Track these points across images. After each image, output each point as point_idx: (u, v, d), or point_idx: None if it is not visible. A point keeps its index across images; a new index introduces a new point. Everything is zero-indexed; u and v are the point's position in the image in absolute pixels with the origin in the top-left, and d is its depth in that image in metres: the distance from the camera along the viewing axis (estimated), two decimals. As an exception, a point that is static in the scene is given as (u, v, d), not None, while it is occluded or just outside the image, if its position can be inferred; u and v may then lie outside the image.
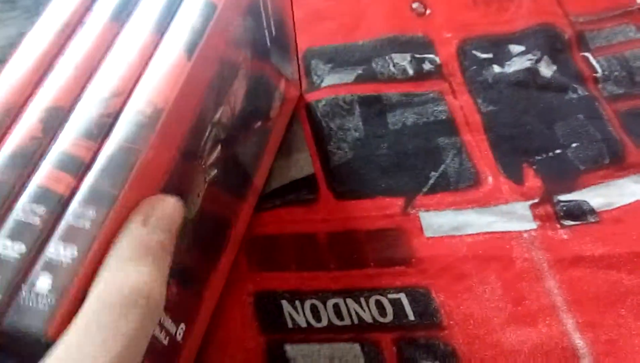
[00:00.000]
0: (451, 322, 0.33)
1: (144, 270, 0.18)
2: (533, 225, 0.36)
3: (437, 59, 0.42)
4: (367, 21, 0.44)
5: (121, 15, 0.24)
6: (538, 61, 0.41)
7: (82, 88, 0.22)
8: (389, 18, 0.44)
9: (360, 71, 0.42)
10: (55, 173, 0.20)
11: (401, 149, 0.39)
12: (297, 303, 0.34)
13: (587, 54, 0.42)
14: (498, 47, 0.43)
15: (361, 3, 0.45)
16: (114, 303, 0.17)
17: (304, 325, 0.34)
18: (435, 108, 0.40)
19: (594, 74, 0.41)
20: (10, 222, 0.19)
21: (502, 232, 0.36)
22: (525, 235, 0.36)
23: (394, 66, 0.42)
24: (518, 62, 0.42)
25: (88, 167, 0.20)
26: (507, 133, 0.39)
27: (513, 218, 0.36)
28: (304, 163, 0.39)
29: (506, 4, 0.45)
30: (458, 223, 0.36)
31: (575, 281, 0.33)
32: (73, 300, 0.18)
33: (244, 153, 0.33)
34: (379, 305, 0.34)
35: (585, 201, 0.36)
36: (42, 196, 0.20)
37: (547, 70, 0.41)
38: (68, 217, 0.19)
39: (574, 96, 0.40)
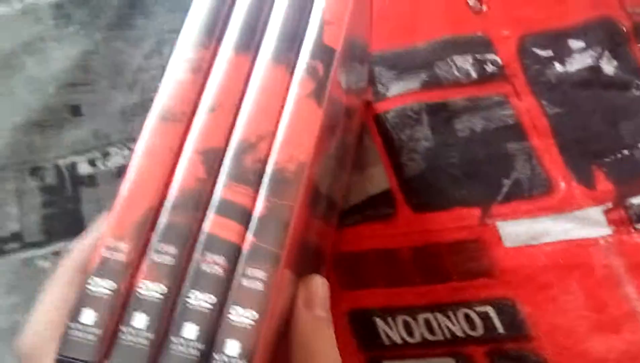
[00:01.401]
0: (539, 333, 0.35)
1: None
2: (608, 231, 0.37)
3: (499, 60, 0.42)
4: (424, 21, 0.44)
5: (249, 48, 0.24)
6: (599, 57, 0.42)
7: (230, 129, 0.23)
8: (446, 17, 0.44)
9: (424, 77, 0.42)
10: (227, 222, 0.21)
11: (472, 157, 0.40)
12: (390, 319, 0.36)
13: (646, 47, 0.42)
14: (558, 43, 0.43)
15: (415, 2, 0.44)
16: None
17: (399, 341, 0.35)
18: (502, 112, 0.41)
19: (656, 69, 0.41)
20: (197, 272, 0.20)
21: (580, 239, 0.37)
22: (601, 242, 0.37)
23: (457, 69, 0.42)
24: (579, 60, 0.42)
25: (250, 216, 0.21)
26: (575, 136, 0.40)
27: (588, 224, 0.37)
28: (379, 177, 0.39)
29: (563, -5, 0.44)
30: (535, 231, 0.37)
31: (652, 286, 0.35)
32: None
33: (331, 174, 0.33)
34: (467, 318, 0.36)
35: (657, 203, 0.37)
36: (220, 247, 0.20)
37: (609, 67, 0.41)
38: (240, 277, 0.20)
39: (637, 93, 0.41)
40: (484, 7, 0.44)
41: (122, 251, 0.20)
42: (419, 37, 0.43)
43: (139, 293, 0.20)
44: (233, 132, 0.22)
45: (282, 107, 0.23)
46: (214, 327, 0.19)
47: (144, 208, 0.21)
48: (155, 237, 0.20)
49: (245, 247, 0.20)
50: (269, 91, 0.23)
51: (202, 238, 0.21)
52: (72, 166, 0.40)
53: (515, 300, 0.36)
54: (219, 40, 0.24)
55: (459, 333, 0.35)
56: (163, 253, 0.20)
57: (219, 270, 0.20)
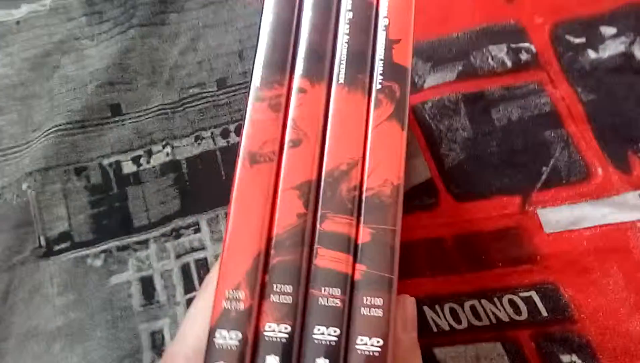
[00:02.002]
0: (582, 316, 0.36)
1: None
2: (645, 214, 0.38)
3: (533, 48, 0.43)
4: (457, 11, 0.44)
5: (322, 75, 0.25)
6: (632, 43, 0.42)
7: (320, 159, 0.23)
8: (478, 6, 0.44)
9: (460, 67, 0.42)
10: (333, 254, 0.22)
11: (510, 145, 0.40)
12: (437, 307, 0.37)
13: (675, 30, 0.43)
14: (590, 30, 0.43)
15: (448, -9, 0.45)
16: None
17: (447, 328, 0.37)
18: (538, 100, 0.41)
19: (686, 53, 0.42)
20: (318, 308, 0.21)
21: (617, 223, 0.38)
22: (639, 225, 0.38)
23: (492, 58, 0.42)
24: (612, 46, 0.42)
25: (356, 244, 0.22)
26: (610, 122, 0.41)
27: (625, 208, 0.38)
28: (421, 168, 0.40)
29: (592, -19, 0.45)
30: (574, 217, 0.38)
31: (690, 268, 0.36)
32: None
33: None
34: (512, 303, 0.37)
35: (691, 186, 0.39)
36: (333, 278, 0.21)
37: (640, 52, 0.42)
38: (359, 307, 0.21)
39: (669, 78, 0.41)
40: (516, -5, 0.44)
41: (241, 300, 0.21)
42: (454, 28, 0.43)
43: (266, 337, 0.20)
44: (323, 163, 0.23)
45: (366, 131, 0.23)
46: (344, 359, 0.20)
47: (253, 254, 0.21)
48: (270, 279, 0.21)
49: (357, 276, 0.21)
50: (350, 117, 0.24)
51: (314, 272, 0.21)
52: (117, 165, 0.40)
53: (558, 284, 0.37)
54: (292, 72, 0.25)
55: (505, 318, 0.37)
56: (281, 293, 0.21)
57: (337, 302, 0.21)
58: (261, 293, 0.22)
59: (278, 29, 0.25)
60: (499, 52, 0.42)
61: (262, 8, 0.26)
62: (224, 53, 0.43)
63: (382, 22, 0.26)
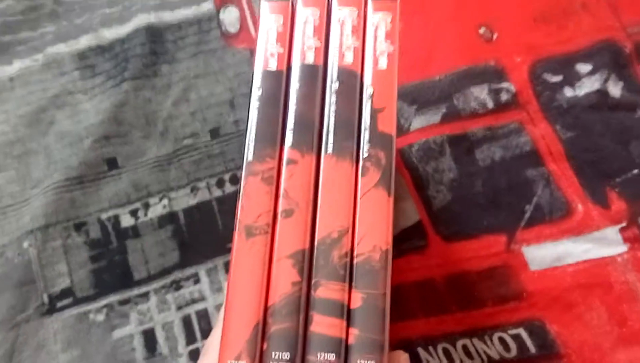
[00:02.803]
0: (568, 350, 0.38)
1: None
2: (624, 248, 0.40)
3: (513, 87, 0.44)
4: (439, 53, 0.46)
5: (311, 146, 0.26)
6: (606, 80, 0.44)
7: (312, 228, 0.25)
8: (459, 47, 0.46)
9: (444, 110, 0.44)
10: (327, 320, 0.23)
11: (494, 185, 0.42)
12: (431, 348, 0.39)
13: (647, 66, 0.45)
14: (566, 67, 0.45)
15: (429, 33, 0.46)
16: None
17: (440, 368, 0.38)
18: (519, 140, 0.43)
19: (657, 88, 0.44)
20: None
21: (599, 259, 0.40)
22: (618, 259, 0.40)
23: (474, 100, 0.44)
24: (588, 83, 0.44)
25: (349, 309, 0.23)
26: (589, 158, 0.42)
27: (605, 243, 0.40)
28: (409, 211, 0.41)
29: (564, 21, 0.47)
30: (558, 254, 0.40)
31: (669, 300, 0.38)
32: None
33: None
34: (502, 341, 0.39)
35: (667, 219, 0.40)
36: (328, 344, 0.23)
37: (615, 89, 0.44)
38: None
39: (643, 113, 0.43)
40: (495, 35, 0.46)
41: None
42: (436, 70, 0.45)
43: None
44: (315, 231, 0.24)
45: (355, 198, 0.25)
46: None
47: (252, 324, 0.23)
48: (268, 347, 0.23)
49: (351, 340, 0.23)
50: (339, 186, 0.25)
51: (310, 338, 0.23)
52: (115, 219, 0.41)
53: (544, 321, 0.39)
54: (282, 144, 0.26)
55: (495, 356, 0.38)
56: (279, 360, 0.22)
57: None
58: (261, 361, 0.23)
59: (267, 103, 0.26)
60: (481, 93, 0.44)
61: (251, 83, 0.27)
62: (216, 103, 0.44)
63: (367, 91, 0.27)
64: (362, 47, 0.27)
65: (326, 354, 0.23)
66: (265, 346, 0.23)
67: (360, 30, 0.27)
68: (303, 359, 0.23)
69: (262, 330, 0.23)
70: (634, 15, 0.46)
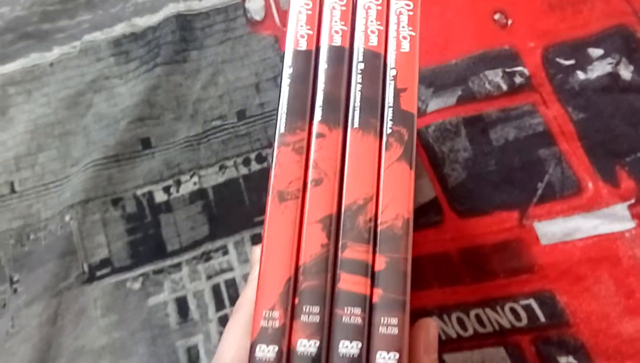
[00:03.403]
0: (577, 320, 0.40)
1: None
2: (632, 224, 0.42)
3: (526, 71, 0.46)
4: (455, 39, 0.48)
5: (338, 121, 0.28)
6: (617, 63, 0.46)
7: (339, 196, 0.27)
8: (475, 33, 0.48)
9: (460, 92, 0.46)
10: (353, 278, 0.25)
11: (508, 164, 0.44)
12: (445, 317, 0.41)
13: (658, 50, 0.47)
14: (578, 52, 0.47)
15: (446, 21, 0.48)
16: None
17: (454, 335, 0.41)
18: (532, 121, 0.45)
19: (668, 71, 0.46)
20: (341, 325, 0.24)
21: (608, 234, 0.42)
22: (627, 234, 0.42)
23: (488, 83, 0.46)
24: (599, 67, 0.46)
25: (373, 269, 0.25)
26: (599, 139, 0.44)
27: (615, 219, 0.42)
28: (426, 188, 0.44)
29: (579, 6, 0.48)
30: (568, 229, 0.42)
31: (675, 273, 0.40)
32: None
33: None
34: (513, 311, 0.41)
35: (674, 197, 0.42)
36: (354, 299, 0.25)
37: (626, 72, 0.46)
38: (377, 325, 0.25)
39: (653, 95, 0.45)
40: (509, 21, 0.48)
41: (276, 319, 0.25)
42: (452, 55, 0.47)
43: (299, 351, 0.24)
44: (342, 198, 0.27)
45: (379, 170, 0.27)
46: None
47: (284, 279, 0.25)
48: (299, 302, 0.25)
49: (375, 299, 0.25)
50: (364, 158, 0.27)
51: (337, 294, 0.25)
52: (149, 195, 0.44)
53: (554, 292, 0.41)
54: (311, 119, 0.28)
55: (507, 325, 0.40)
56: (309, 314, 0.25)
57: (358, 320, 0.25)
58: (292, 313, 0.25)
59: (297, 81, 0.29)
60: (495, 76, 0.46)
61: (283, 63, 0.29)
62: (242, 86, 0.46)
63: (390, 72, 0.29)
64: (385, 31, 0.29)
65: (352, 308, 0.25)
66: (297, 300, 0.25)
67: (384, 15, 0.29)
68: (331, 312, 0.25)
69: (293, 286, 0.25)
70: (646, 1, 0.48)
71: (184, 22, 0.48)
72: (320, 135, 0.27)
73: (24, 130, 0.46)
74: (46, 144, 0.45)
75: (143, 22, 0.48)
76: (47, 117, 0.46)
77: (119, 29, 0.48)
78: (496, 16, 0.48)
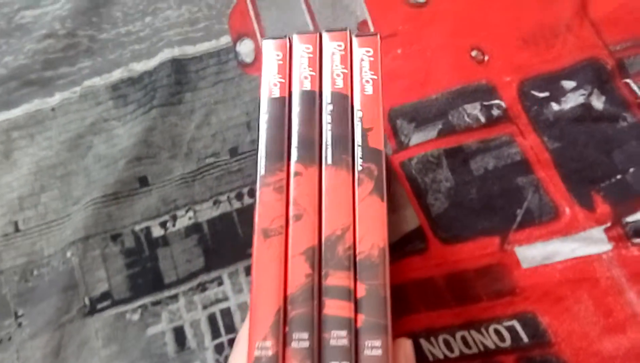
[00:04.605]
0: (558, 339, 0.42)
1: None
2: (609, 247, 0.44)
3: (503, 104, 0.49)
4: (435, 75, 0.50)
5: (313, 160, 0.30)
6: (590, 95, 0.48)
7: (319, 227, 0.29)
8: (453, 69, 0.50)
9: (440, 126, 0.48)
10: (338, 303, 0.27)
11: (488, 192, 0.46)
12: (432, 339, 0.43)
13: (628, 80, 0.49)
14: (552, 84, 0.49)
15: (425, 58, 0.51)
16: None
17: (441, 357, 0.42)
18: (510, 151, 0.47)
19: (637, 100, 0.48)
20: (330, 348, 0.26)
21: (586, 256, 0.44)
22: (604, 257, 0.44)
23: (467, 116, 0.49)
24: (572, 98, 0.49)
25: (355, 293, 0.27)
26: (574, 166, 0.46)
27: (592, 242, 0.44)
28: (410, 218, 0.46)
29: (552, 41, 0.51)
30: (548, 253, 0.44)
31: (651, 292, 0.42)
32: None
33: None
34: (497, 332, 0.42)
35: (647, 219, 0.44)
36: (340, 323, 0.27)
37: (598, 103, 0.48)
38: (362, 348, 0.26)
39: (624, 124, 0.47)
40: (486, 57, 0.51)
41: (269, 348, 0.27)
42: (432, 90, 0.50)
43: None
44: (322, 230, 0.29)
45: (354, 201, 0.29)
46: None
47: (274, 310, 0.27)
48: (289, 329, 0.27)
49: (359, 324, 0.27)
50: (339, 191, 0.29)
51: (324, 319, 0.27)
52: (147, 230, 0.46)
53: (536, 313, 0.43)
54: (289, 159, 0.30)
55: (491, 346, 0.42)
56: (299, 340, 0.27)
57: (345, 342, 0.26)
58: (284, 341, 0.27)
59: (273, 125, 0.31)
60: (474, 109, 0.49)
61: (259, 109, 0.32)
62: (234, 125, 0.49)
63: (357, 113, 0.31)
64: (350, 74, 0.32)
65: (339, 332, 0.27)
66: (287, 329, 0.27)
67: (348, 60, 0.32)
68: (320, 337, 0.27)
69: (283, 316, 0.27)
70: (616, 34, 0.51)
71: (179, 66, 0.50)
72: (297, 174, 0.30)
73: (28, 172, 0.48)
74: (48, 184, 0.48)
75: (140, 67, 0.51)
76: (49, 159, 0.49)
77: (117, 74, 0.51)
78: (473, 53, 0.51)
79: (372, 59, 0.32)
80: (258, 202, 0.29)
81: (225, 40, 0.52)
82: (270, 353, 0.26)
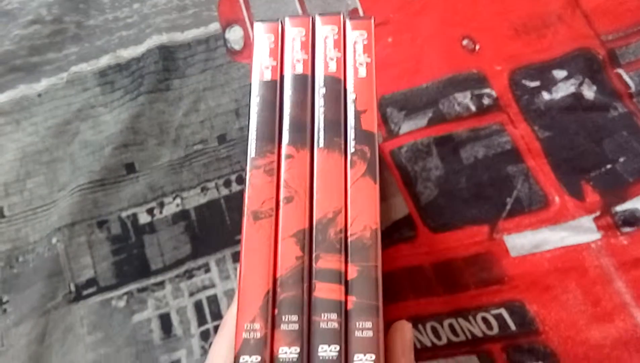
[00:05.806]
0: (546, 328, 0.42)
1: None
2: (598, 236, 0.44)
3: (494, 93, 0.49)
4: (425, 64, 0.50)
5: (305, 142, 0.29)
6: (580, 84, 0.48)
7: (310, 211, 0.28)
8: (444, 58, 0.50)
9: (430, 114, 0.48)
10: (328, 286, 0.27)
11: (478, 180, 0.46)
12: (420, 326, 0.42)
13: (619, 70, 0.49)
14: (543, 74, 0.49)
15: (416, 47, 0.51)
16: None
17: (429, 344, 0.42)
18: (500, 139, 0.47)
19: (628, 90, 0.48)
20: (320, 331, 0.26)
21: (575, 245, 0.44)
22: (593, 245, 0.44)
23: (458, 105, 0.48)
24: (563, 88, 0.48)
25: (346, 276, 0.27)
26: (564, 155, 0.46)
27: (581, 231, 0.44)
28: (399, 206, 0.46)
29: (544, 30, 0.51)
30: (536, 241, 0.44)
31: (639, 280, 0.42)
32: None
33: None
34: (485, 320, 0.42)
35: (637, 208, 0.44)
36: (330, 306, 0.26)
37: (589, 92, 0.48)
38: (353, 330, 0.26)
39: (615, 113, 0.47)
40: (477, 46, 0.50)
41: (257, 330, 0.26)
42: (423, 79, 0.49)
43: (281, 359, 0.26)
44: (313, 213, 0.28)
45: (346, 184, 0.29)
46: None
47: (263, 293, 0.27)
48: (279, 312, 0.27)
49: (349, 305, 0.27)
50: (331, 174, 0.29)
51: (314, 302, 0.27)
52: (134, 217, 0.46)
53: (524, 302, 0.42)
54: (280, 142, 0.30)
55: (479, 334, 0.42)
56: (289, 322, 0.26)
57: (335, 325, 0.26)
58: (273, 323, 0.27)
59: (264, 108, 0.31)
60: (464, 98, 0.48)
61: (250, 92, 0.31)
62: (222, 112, 0.49)
63: (350, 96, 0.31)
64: (343, 58, 0.32)
65: (329, 314, 0.26)
66: (276, 311, 0.27)
67: (341, 44, 0.32)
68: (309, 320, 0.27)
69: (272, 298, 0.27)
70: (607, 24, 0.50)
71: (167, 53, 0.50)
72: (289, 156, 0.29)
73: (13, 158, 0.48)
74: (34, 170, 0.47)
75: (127, 53, 0.50)
76: (35, 145, 0.48)
77: (105, 61, 0.50)
78: (464, 42, 0.51)
79: (366, 42, 0.31)
80: (248, 184, 0.29)
81: (214, 27, 0.51)
82: (259, 335, 0.26)
